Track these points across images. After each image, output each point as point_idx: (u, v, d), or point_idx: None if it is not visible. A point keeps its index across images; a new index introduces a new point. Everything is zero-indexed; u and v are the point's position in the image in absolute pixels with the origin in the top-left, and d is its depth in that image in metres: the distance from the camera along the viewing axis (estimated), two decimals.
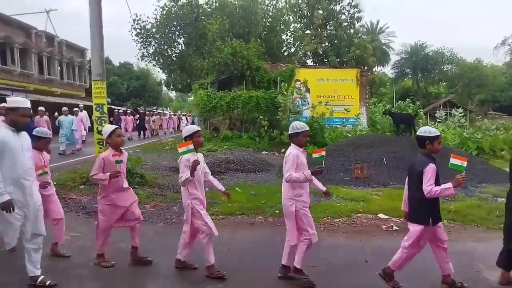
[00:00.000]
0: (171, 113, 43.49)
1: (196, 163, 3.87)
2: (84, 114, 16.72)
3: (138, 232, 4.39)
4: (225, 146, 16.39)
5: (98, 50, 7.96)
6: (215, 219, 6.07)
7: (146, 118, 25.34)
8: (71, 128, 14.36)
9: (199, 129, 4.27)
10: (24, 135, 3.65)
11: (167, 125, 31.35)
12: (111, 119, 18.13)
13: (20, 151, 3.52)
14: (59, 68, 30.02)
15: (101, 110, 7.97)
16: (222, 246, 4.86)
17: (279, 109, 17.24)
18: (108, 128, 4.49)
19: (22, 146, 3.55)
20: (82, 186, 7.97)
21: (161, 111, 43.16)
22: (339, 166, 10.05)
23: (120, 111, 25.19)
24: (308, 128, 4.06)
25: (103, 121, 7.90)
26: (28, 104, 3.64)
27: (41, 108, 13.43)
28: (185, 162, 3.92)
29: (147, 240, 5.19)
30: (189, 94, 54.23)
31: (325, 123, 17.23)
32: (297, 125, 3.99)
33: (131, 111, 28.09)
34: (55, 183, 8.06)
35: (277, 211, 6.40)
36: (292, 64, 22.62)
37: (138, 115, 25.88)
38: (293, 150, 3.91)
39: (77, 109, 16.71)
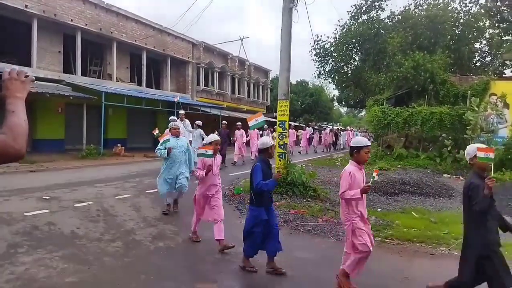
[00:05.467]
0: (312, 127, 33.64)
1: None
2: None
3: None
4: (399, 166, 15.46)
5: (285, 72, 8.81)
6: (389, 243, 5.82)
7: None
8: None
9: (368, 144, 3.99)
10: None
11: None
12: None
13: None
14: (247, 88, 34.25)
15: (283, 127, 8.73)
16: (397, 273, 4.62)
17: (468, 127, 15.18)
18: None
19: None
20: None
21: (328, 126, 43.50)
22: None
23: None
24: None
25: (284, 136, 8.62)
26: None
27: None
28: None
29: (320, 254, 5.40)
30: (360, 110, 53.66)
31: None
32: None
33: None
34: (241, 189, 9.30)
35: None
36: (486, 75, 19.62)
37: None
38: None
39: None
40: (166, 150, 6.68)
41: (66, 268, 4.27)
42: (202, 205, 5.35)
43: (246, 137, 16.55)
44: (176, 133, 7.00)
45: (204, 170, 5.14)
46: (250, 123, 6.07)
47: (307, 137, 25.40)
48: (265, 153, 4.52)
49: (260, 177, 4.24)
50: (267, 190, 4.30)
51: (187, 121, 13.31)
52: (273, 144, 4.67)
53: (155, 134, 8.96)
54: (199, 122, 12.46)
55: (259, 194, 4.36)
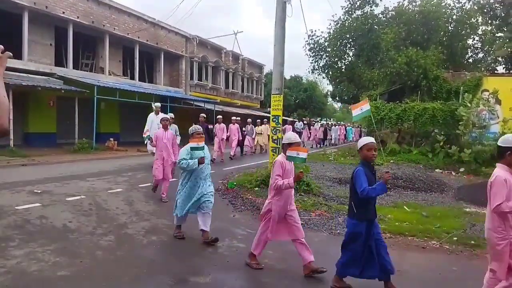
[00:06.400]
0: (303, 121, 32.08)
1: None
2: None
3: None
4: (391, 161, 15.60)
5: (279, 66, 8.79)
6: None
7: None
8: None
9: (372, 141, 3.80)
10: None
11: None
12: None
13: None
14: (241, 83, 34.15)
15: (277, 121, 8.73)
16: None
17: (460, 122, 15.31)
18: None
19: None
20: (257, 188, 8.86)
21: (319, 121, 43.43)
22: None
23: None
24: None
25: (277, 131, 8.61)
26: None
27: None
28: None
29: (312, 247, 5.41)
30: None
31: None
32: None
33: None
34: (235, 183, 9.32)
35: (455, 238, 5.73)
36: (478, 72, 19.78)
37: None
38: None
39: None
40: (197, 160, 5.00)
41: (58, 261, 4.24)
42: (277, 222, 4.33)
43: (226, 132, 15.37)
44: (201, 140, 5.18)
45: (291, 178, 4.11)
46: (354, 112, 5.42)
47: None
48: (364, 153, 3.75)
49: (365, 182, 3.53)
50: (375, 195, 3.61)
51: (162, 114, 12.26)
52: (373, 142, 3.79)
53: (144, 136, 8.87)
54: (171, 115, 10.01)
55: (363, 206, 3.65)
